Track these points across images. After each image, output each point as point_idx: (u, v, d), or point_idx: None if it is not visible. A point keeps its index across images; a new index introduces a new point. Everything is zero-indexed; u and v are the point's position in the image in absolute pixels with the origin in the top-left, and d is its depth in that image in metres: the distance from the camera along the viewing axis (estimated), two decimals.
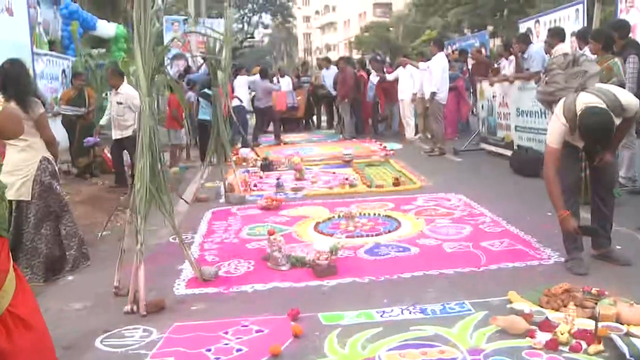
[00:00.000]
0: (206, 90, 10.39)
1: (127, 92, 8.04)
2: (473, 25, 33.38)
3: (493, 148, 10.16)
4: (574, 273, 4.23)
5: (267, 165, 9.82)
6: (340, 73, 14.05)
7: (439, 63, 10.77)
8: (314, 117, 18.39)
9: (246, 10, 49.90)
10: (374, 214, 6.40)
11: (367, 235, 5.55)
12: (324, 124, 18.07)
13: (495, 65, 11.96)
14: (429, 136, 11.91)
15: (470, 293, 3.96)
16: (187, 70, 15.23)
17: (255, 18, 51.66)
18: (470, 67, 14.23)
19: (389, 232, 5.65)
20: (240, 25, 48.86)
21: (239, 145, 12.79)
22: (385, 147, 11.96)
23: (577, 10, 11.86)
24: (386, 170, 9.35)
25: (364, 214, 6.41)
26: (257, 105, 14.01)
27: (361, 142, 13.26)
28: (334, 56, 50.93)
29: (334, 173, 9.23)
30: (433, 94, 10.72)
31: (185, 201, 6.90)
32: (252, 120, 15.88)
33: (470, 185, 7.75)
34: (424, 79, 11.41)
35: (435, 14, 37.41)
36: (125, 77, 8.28)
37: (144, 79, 3.96)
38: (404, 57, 13.24)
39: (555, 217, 4.27)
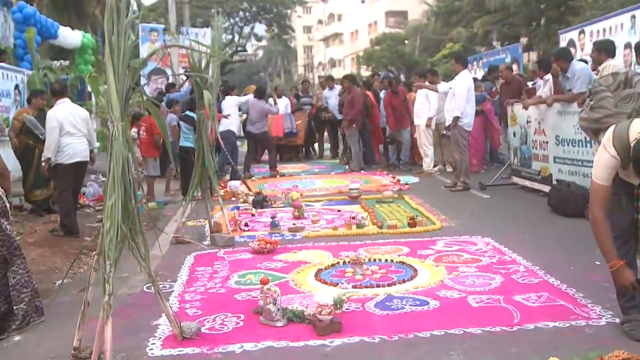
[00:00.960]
0: (189, 112, 10.45)
1: (49, 112, 8.25)
2: (504, 37, 33.59)
3: (527, 182, 10.16)
4: (633, 338, 4.14)
5: (261, 201, 9.82)
6: (347, 94, 14.12)
7: (464, 82, 10.84)
8: (316, 145, 18.48)
9: (237, 19, 50.54)
10: (386, 260, 6.36)
11: (378, 286, 5.50)
12: (327, 152, 18.15)
13: (530, 85, 12.01)
14: (451, 168, 11.93)
15: (502, 358, 3.90)
16: (169, 88, 15.35)
17: (247, 28, 52.27)
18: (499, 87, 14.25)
19: (404, 281, 5.61)
20: (230, 37, 49.45)
21: (228, 176, 12.80)
22: (398, 180, 11.98)
23: (634, 17, 11.67)
24: (400, 208, 9.34)
25: (374, 260, 6.38)
26: (250, 129, 14.07)
27: (371, 174, 13.30)
28: (338, 73, 51.37)
29: (338, 211, 9.25)
30: (456, 118, 10.76)
31: (173, 235, 6.88)
32: (243, 148, 15.93)
33: (501, 226, 7.73)
34: (445, 101, 11.45)
35: (459, 24, 37.81)
36: (63, 94, 8.39)
37: (117, 100, 3.97)
38: (418, 78, 13.27)
39: (606, 267, 4.22)
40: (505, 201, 9.56)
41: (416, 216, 8.31)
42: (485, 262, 6.15)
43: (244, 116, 15.51)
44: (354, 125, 13.87)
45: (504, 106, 11.43)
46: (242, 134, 15.59)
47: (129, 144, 4.15)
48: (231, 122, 13.24)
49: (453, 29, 38.58)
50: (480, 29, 34.37)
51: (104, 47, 4.07)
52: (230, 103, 13.70)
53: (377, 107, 14.77)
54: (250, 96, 14.21)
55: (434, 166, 13.18)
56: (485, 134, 13.23)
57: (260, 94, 14.15)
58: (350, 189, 10.33)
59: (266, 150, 15.07)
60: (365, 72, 45.86)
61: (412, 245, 6.97)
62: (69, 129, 8.15)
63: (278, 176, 13.71)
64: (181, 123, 10.77)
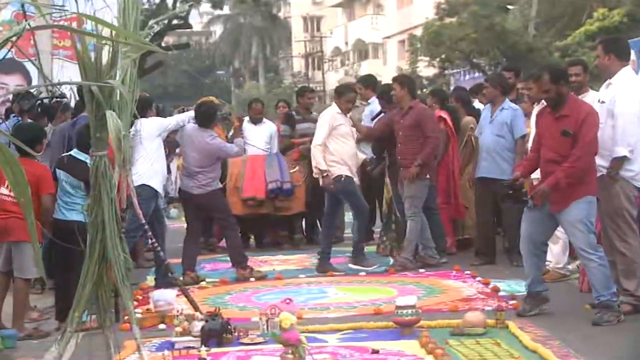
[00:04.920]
0: (75, 153, 10.49)
1: None
2: None
3: None
4: None
5: (218, 332, 9.76)
6: (395, 113, 14.14)
7: (631, 90, 10.68)
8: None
9: None
10: None
11: None
12: (349, 231, 18.01)
13: None
14: None
15: None
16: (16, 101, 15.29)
17: None
18: None
19: None
20: None
21: (151, 279, 12.81)
22: (496, 289, 11.96)
23: None
24: (501, 347, 9.25)
25: None
26: (187, 186, 13.98)
27: (439, 276, 13.27)
28: (374, 70, 51.79)
29: (375, 352, 9.19)
30: (618, 162, 10.43)
31: None
32: (181, 219, 16.04)
33: None
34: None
35: None
36: None
37: None
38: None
39: None
40: None
41: None
42: None
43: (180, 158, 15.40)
44: (427, 175, 13.97)
45: None
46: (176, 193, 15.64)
47: None
48: (153, 171, 13.09)
49: None
50: None
51: None
52: (150, 130, 13.40)
53: (456, 141, 14.86)
54: (187, 116, 13.97)
55: (569, 262, 13.09)
56: None
57: (206, 119, 13.83)
58: (399, 308, 10.24)
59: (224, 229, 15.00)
60: (426, 70, 46.26)
61: None
62: None
63: (253, 280, 13.72)
64: (60, 174, 10.74)
